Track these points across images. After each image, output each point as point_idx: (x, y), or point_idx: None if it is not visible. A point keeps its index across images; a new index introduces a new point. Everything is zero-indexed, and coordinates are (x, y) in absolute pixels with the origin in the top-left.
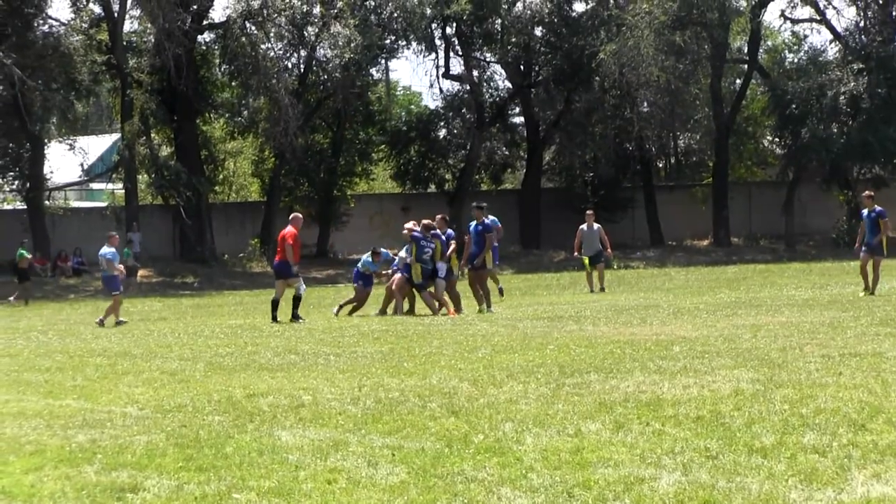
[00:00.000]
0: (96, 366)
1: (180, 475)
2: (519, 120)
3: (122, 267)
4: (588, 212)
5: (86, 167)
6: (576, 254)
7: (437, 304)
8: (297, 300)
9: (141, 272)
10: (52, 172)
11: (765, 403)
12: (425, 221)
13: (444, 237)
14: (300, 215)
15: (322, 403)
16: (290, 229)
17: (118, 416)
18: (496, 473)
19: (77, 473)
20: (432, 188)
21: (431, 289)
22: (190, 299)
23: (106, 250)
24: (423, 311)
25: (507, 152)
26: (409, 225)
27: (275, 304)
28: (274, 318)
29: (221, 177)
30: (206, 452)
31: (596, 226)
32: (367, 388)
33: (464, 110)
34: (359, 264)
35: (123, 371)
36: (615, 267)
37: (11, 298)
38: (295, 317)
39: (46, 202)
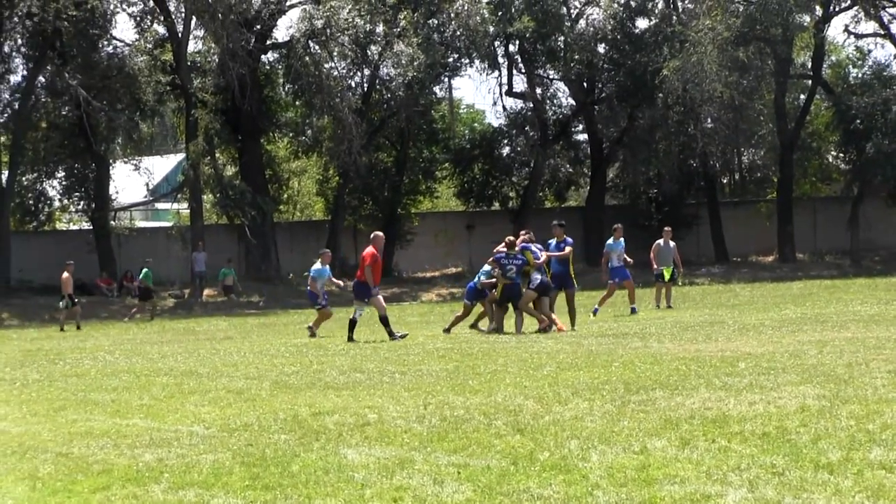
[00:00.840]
0: (163, 385)
1: (247, 494)
2: (582, 137)
3: (340, 282)
4: (666, 228)
5: (151, 187)
6: (654, 267)
7: (522, 321)
8: (352, 323)
9: (206, 291)
10: (117, 193)
11: (831, 419)
12: (509, 238)
13: (537, 246)
14: (381, 234)
15: (387, 421)
16: (369, 249)
17: (185, 435)
18: (562, 491)
19: (144, 493)
20: (496, 206)
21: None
22: (255, 318)
23: (314, 267)
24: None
25: (570, 169)
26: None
27: (384, 321)
28: (391, 335)
29: (286, 196)
30: (272, 471)
31: (672, 243)
32: (433, 406)
33: (527, 128)
34: (474, 281)
35: (190, 390)
36: (680, 284)
37: (137, 315)
38: (350, 339)
39: (112, 222)
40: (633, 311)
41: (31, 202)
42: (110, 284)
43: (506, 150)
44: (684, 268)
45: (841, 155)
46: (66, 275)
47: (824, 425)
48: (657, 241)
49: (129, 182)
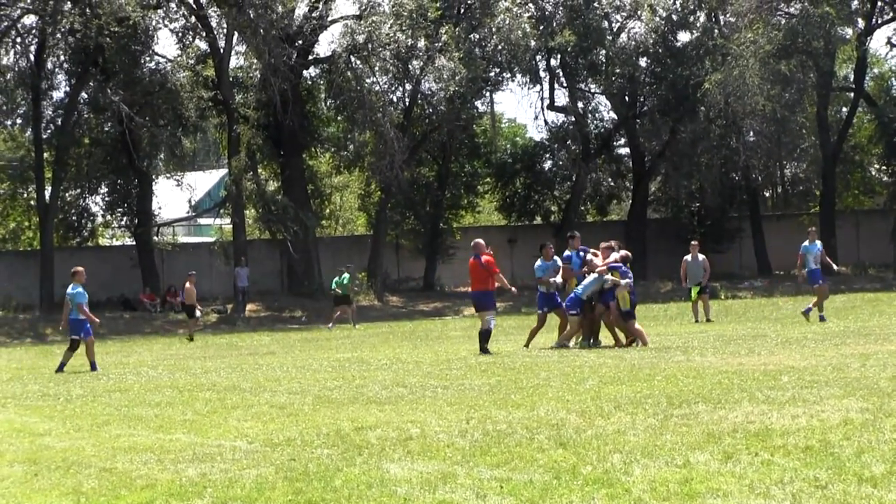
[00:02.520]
0: (206, 400)
1: None
2: (624, 151)
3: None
4: (693, 242)
5: (193, 203)
6: (683, 284)
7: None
8: (486, 334)
9: (249, 306)
10: (160, 208)
11: (874, 433)
12: (625, 252)
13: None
14: (482, 241)
15: (430, 436)
16: (488, 257)
17: (228, 450)
18: None
19: None
20: (538, 220)
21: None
22: (298, 333)
23: (536, 264)
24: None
25: (612, 183)
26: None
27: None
28: (483, 350)
29: (328, 211)
30: (315, 486)
31: (701, 256)
32: (475, 421)
33: (569, 142)
34: (580, 290)
35: (233, 405)
36: (722, 297)
37: (331, 325)
38: (483, 350)
39: (155, 238)
40: (822, 318)
41: (73, 218)
42: (153, 300)
43: (547, 164)
44: (727, 280)
45: (884, 168)
46: (188, 285)
47: (868, 438)
48: (685, 257)
49: (171, 197)
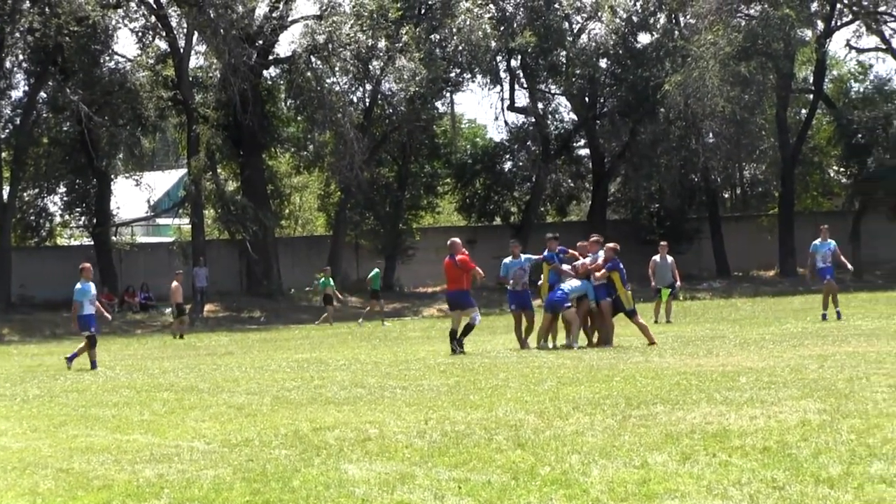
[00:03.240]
0: (163, 401)
1: None
2: (584, 152)
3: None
4: (661, 243)
5: (152, 203)
6: (652, 284)
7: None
8: (469, 328)
9: (208, 307)
10: (118, 208)
11: (831, 434)
12: (613, 244)
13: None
14: (458, 240)
15: (388, 437)
16: (462, 256)
17: (185, 451)
18: None
19: None
20: (498, 221)
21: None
22: (257, 333)
23: (505, 261)
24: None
25: (572, 184)
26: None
27: (453, 336)
28: (454, 350)
29: (287, 211)
30: (272, 486)
31: (669, 258)
32: (434, 421)
33: (529, 142)
34: (567, 289)
35: (190, 406)
36: (681, 298)
37: (328, 321)
38: (460, 344)
39: (113, 238)
40: (824, 317)
41: (32, 218)
42: (111, 300)
43: (507, 165)
44: (685, 282)
45: (842, 169)
46: (175, 284)
47: (825, 440)
48: (654, 258)
49: (130, 197)
